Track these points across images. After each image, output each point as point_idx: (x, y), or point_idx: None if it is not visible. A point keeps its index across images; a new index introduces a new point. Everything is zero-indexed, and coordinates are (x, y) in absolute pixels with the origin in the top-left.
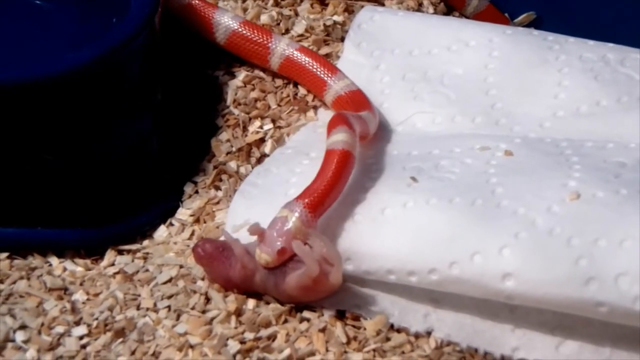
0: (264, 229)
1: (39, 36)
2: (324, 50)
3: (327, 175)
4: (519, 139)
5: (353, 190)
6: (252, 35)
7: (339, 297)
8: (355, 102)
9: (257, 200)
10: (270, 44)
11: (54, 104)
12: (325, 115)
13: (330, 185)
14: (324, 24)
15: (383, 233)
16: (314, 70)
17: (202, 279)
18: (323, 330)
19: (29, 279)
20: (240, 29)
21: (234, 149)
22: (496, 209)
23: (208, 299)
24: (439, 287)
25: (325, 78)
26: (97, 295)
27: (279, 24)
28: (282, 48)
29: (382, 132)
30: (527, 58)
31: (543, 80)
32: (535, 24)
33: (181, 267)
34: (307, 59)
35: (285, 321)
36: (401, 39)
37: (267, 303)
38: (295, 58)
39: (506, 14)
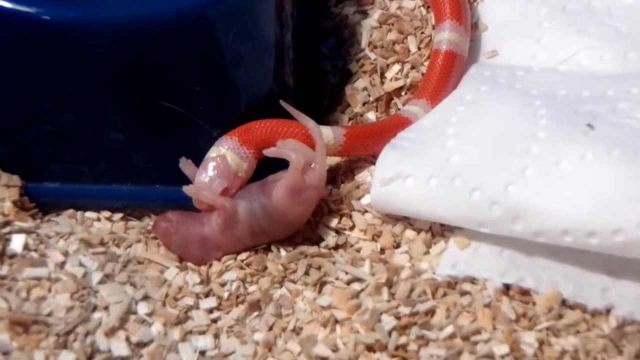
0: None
1: None
2: None
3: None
4: None
5: (520, 139)
6: None
7: (503, 268)
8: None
9: (410, 152)
10: None
11: (186, 44)
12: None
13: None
14: None
15: (558, 189)
16: None
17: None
18: (488, 305)
19: (146, 243)
20: None
21: (371, 99)
22: None
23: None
24: (623, 250)
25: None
26: (223, 262)
27: None
28: None
29: (543, 70)
30: None
31: None
32: None
33: None
34: None
35: (444, 294)
36: None
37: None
38: None
39: None
